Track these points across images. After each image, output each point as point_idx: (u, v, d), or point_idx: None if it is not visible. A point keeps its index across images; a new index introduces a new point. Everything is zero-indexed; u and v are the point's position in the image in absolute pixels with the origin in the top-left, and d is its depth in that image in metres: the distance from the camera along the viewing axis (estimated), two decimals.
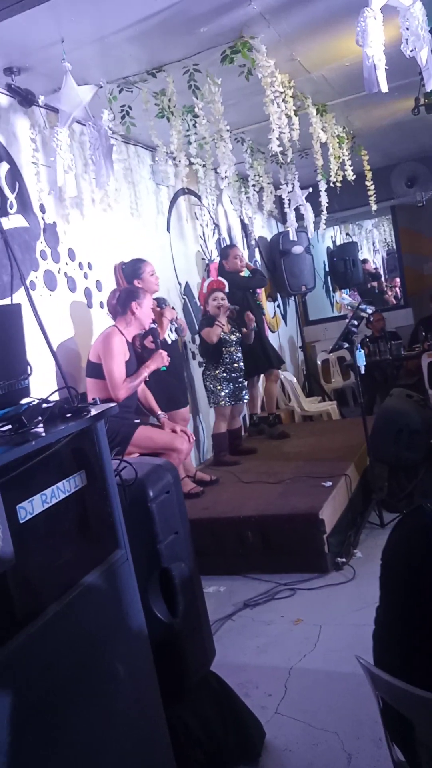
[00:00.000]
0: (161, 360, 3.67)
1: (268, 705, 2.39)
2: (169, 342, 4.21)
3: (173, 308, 4.33)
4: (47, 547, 1.49)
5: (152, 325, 3.86)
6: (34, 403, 1.61)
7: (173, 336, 4.32)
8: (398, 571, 1.41)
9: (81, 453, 1.64)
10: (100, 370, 3.46)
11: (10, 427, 1.50)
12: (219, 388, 4.86)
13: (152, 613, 1.91)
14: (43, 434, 1.48)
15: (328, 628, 2.90)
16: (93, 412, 1.64)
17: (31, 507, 1.41)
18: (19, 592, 1.36)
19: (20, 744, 1.25)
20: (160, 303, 4.25)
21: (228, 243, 6.23)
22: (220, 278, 5.55)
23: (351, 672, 2.49)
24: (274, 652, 2.79)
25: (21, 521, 1.37)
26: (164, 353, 3.70)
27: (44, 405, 1.61)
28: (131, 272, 4.11)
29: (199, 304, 5.48)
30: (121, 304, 3.67)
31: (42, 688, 1.35)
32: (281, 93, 3.76)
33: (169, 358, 3.73)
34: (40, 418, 1.56)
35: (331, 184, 5.28)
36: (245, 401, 5.17)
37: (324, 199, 5.43)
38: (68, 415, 1.62)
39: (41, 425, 1.54)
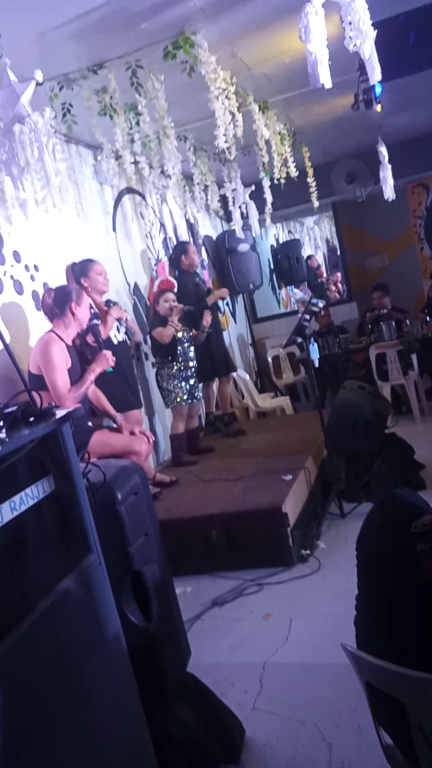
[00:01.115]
0: (106, 362, 3.50)
1: (245, 702, 2.38)
2: (115, 342, 4.14)
3: (124, 310, 4.25)
4: (18, 556, 1.43)
5: (94, 322, 3.77)
6: None
7: (120, 336, 4.24)
8: (380, 556, 1.41)
9: (47, 457, 1.58)
10: (42, 382, 3.25)
11: None
12: (175, 386, 4.83)
13: (126, 617, 1.86)
14: (6, 440, 1.42)
15: (298, 621, 2.91)
16: (58, 414, 1.59)
17: (0, 515, 1.35)
18: None
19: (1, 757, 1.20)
20: (108, 304, 4.19)
21: (174, 242, 6.19)
22: (169, 278, 5.52)
23: (326, 662, 2.51)
24: (246, 649, 2.78)
25: None
26: (108, 353, 3.53)
27: (6, 410, 1.54)
28: (79, 271, 4.06)
29: (149, 304, 5.43)
30: (58, 304, 3.45)
31: (21, 701, 1.29)
32: (224, 90, 3.76)
33: (115, 359, 3.60)
34: (1, 423, 1.50)
35: (275, 181, 5.33)
36: (199, 400, 5.16)
37: (268, 196, 5.48)
38: (31, 419, 1.56)
39: (4, 431, 1.48)
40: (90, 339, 3.70)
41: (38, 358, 3.31)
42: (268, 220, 5.60)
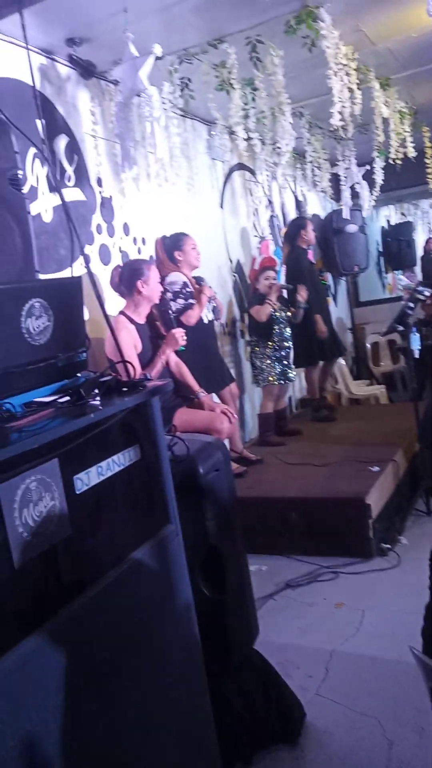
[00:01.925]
0: (175, 342, 3.38)
1: (309, 686, 2.40)
2: (206, 321, 4.12)
3: (210, 287, 4.21)
4: (101, 519, 1.51)
5: (190, 301, 3.76)
6: (91, 376, 1.62)
7: (210, 316, 4.22)
8: None
9: (136, 427, 1.64)
10: (115, 368, 3.18)
11: (68, 399, 1.52)
12: (268, 365, 4.83)
13: (199, 589, 1.92)
14: (101, 407, 1.49)
15: (371, 613, 2.88)
16: (148, 387, 1.65)
17: (88, 478, 1.43)
18: (73, 562, 1.39)
19: (72, 710, 1.28)
20: (199, 281, 4.16)
21: (281, 220, 6.14)
22: (272, 256, 5.49)
23: (394, 659, 2.47)
24: (315, 634, 2.79)
25: (77, 492, 1.39)
26: (179, 333, 3.40)
27: (101, 379, 1.62)
28: (172, 245, 4.04)
29: (249, 281, 5.44)
30: (126, 283, 3.36)
31: (93, 657, 1.37)
32: (344, 65, 3.66)
33: (199, 342, 3.50)
34: (97, 391, 1.57)
35: (391, 161, 5.13)
36: (293, 380, 5.14)
37: (378, 177, 5.30)
38: (124, 390, 1.63)
39: (98, 398, 1.56)
40: (157, 318, 3.58)
41: (108, 346, 3.22)
42: (372, 202, 5.43)
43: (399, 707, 2.21)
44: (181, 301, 3.89)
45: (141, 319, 3.40)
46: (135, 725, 1.48)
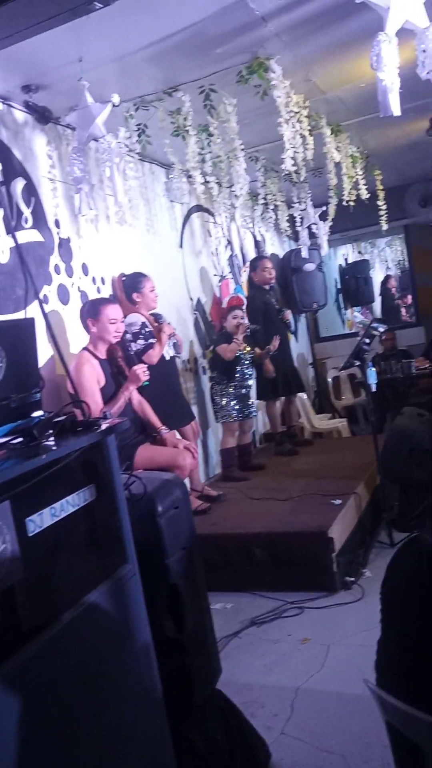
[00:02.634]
0: (137, 378, 3.39)
1: (274, 725, 2.37)
2: (167, 358, 4.15)
3: (169, 324, 4.25)
4: (55, 561, 1.49)
5: (149, 342, 3.80)
6: (45, 416, 1.63)
7: (171, 352, 4.25)
8: (402, 602, 1.40)
9: (91, 467, 1.64)
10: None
11: (21, 439, 1.51)
12: (227, 402, 4.88)
13: (159, 629, 1.90)
14: (54, 447, 1.49)
15: (336, 648, 2.87)
16: (104, 426, 1.65)
17: (41, 520, 1.42)
18: (27, 605, 1.37)
19: (24, 759, 1.25)
20: (158, 318, 4.20)
21: (240, 260, 6.27)
22: (239, 295, 5.60)
23: (360, 694, 2.44)
24: (280, 671, 2.76)
25: (29, 534, 1.38)
26: (140, 369, 3.41)
27: (55, 419, 1.62)
28: (131, 285, 4.08)
29: (210, 319, 5.51)
30: (82, 321, 3.44)
31: (47, 702, 1.34)
32: (296, 113, 3.81)
33: (149, 374, 3.52)
34: (51, 431, 1.57)
35: (344, 203, 5.32)
36: (254, 416, 5.20)
37: (329, 220, 5.50)
38: (79, 429, 1.64)
39: (52, 439, 1.55)
40: (119, 355, 3.63)
41: (72, 378, 3.21)
42: (325, 244, 5.63)
43: (364, 743, 2.20)
44: (141, 341, 3.91)
45: (102, 355, 3.43)
46: None
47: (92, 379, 3.28)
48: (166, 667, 1.80)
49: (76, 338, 3.65)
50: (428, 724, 1.18)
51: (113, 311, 3.43)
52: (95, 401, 3.22)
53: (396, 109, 2.93)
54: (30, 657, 1.30)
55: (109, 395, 3.35)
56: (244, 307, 5.30)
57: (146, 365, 3.51)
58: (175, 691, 1.85)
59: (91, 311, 3.42)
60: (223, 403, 4.89)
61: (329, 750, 2.20)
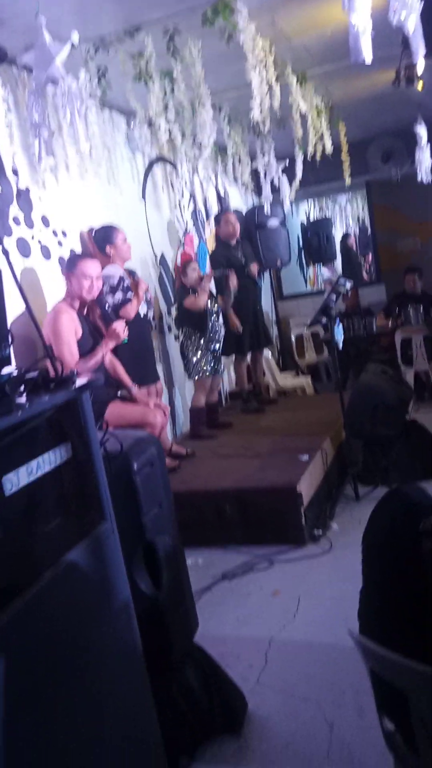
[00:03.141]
0: (117, 335, 3.41)
1: (249, 676, 2.41)
2: (141, 315, 4.10)
3: (143, 281, 4.18)
4: (33, 521, 1.44)
5: (127, 296, 3.75)
6: (16, 372, 1.55)
7: (144, 309, 4.21)
8: (385, 552, 1.41)
9: (66, 424, 1.58)
10: (52, 353, 3.18)
11: None
12: (200, 358, 4.82)
13: (137, 586, 1.88)
14: (27, 405, 1.42)
15: (306, 600, 2.93)
16: (78, 383, 1.59)
17: (17, 479, 1.36)
18: (6, 565, 1.32)
19: (12, 716, 1.22)
20: (132, 274, 4.13)
21: (204, 214, 6.13)
22: (186, 251, 5.50)
23: (331, 643, 2.52)
24: (253, 624, 2.80)
25: (6, 494, 1.32)
26: (119, 326, 3.44)
27: (27, 375, 1.55)
28: (102, 238, 3.99)
29: (174, 276, 5.40)
30: (65, 273, 3.45)
31: (30, 660, 1.31)
32: (262, 60, 3.68)
33: (137, 333, 3.54)
34: (23, 388, 1.50)
35: (308, 157, 5.23)
36: (221, 372, 5.18)
37: (299, 171, 5.39)
38: (52, 386, 1.57)
39: (24, 396, 1.49)
40: (96, 313, 3.60)
41: (48, 328, 3.26)
42: (298, 194, 5.52)
43: (338, 690, 2.26)
44: (119, 295, 3.83)
45: (76, 308, 3.44)
46: (78, 727, 1.44)
47: (70, 329, 3.28)
48: (145, 623, 1.78)
49: (41, 293, 3.53)
50: (410, 669, 1.20)
51: (89, 267, 3.38)
52: (71, 352, 3.22)
53: (368, 55, 2.86)
54: (11, 617, 1.26)
55: (84, 349, 3.33)
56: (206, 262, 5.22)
57: (125, 322, 3.45)
58: (153, 646, 1.85)
59: (69, 265, 3.43)
60: (196, 358, 4.82)
61: (304, 697, 2.25)
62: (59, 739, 1.38)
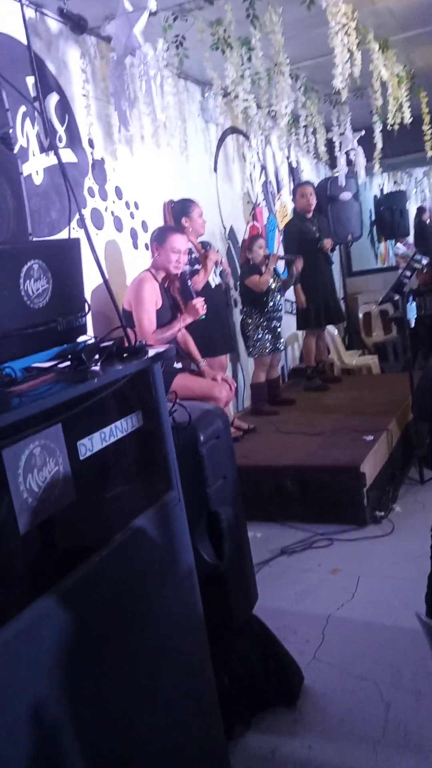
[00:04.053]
0: (196, 312, 3.45)
1: (306, 651, 2.42)
2: (213, 286, 4.12)
3: (218, 251, 4.20)
4: (105, 486, 1.49)
5: (195, 267, 3.76)
6: (91, 341, 1.58)
7: (217, 280, 4.23)
8: None
9: (138, 394, 1.61)
10: (132, 319, 3.29)
11: (68, 364, 1.48)
12: (260, 336, 4.80)
13: (200, 555, 1.92)
14: (102, 373, 1.46)
15: (366, 580, 2.91)
16: (151, 353, 1.61)
17: (91, 444, 1.40)
18: (78, 527, 1.37)
19: (79, 673, 1.28)
20: (205, 245, 4.14)
21: (275, 186, 6.04)
22: (255, 223, 5.44)
23: (390, 624, 2.50)
24: (311, 600, 2.81)
25: (81, 458, 1.36)
26: (199, 302, 3.47)
27: (102, 344, 1.58)
28: (180, 211, 4.03)
29: (241, 249, 5.36)
30: (152, 243, 3.53)
31: (98, 621, 1.36)
32: (344, 25, 3.55)
33: (207, 306, 3.55)
34: (98, 356, 1.54)
35: (388, 127, 5.04)
36: (282, 350, 5.15)
37: (379, 142, 5.21)
38: (125, 356, 1.60)
39: (99, 364, 1.52)
40: (176, 287, 3.64)
41: (131, 295, 3.36)
42: (377, 166, 5.33)
43: (396, 671, 2.24)
44: (186, 267, 3.85)
45: (160, 279, 3.50)
46: (140, 688, 1.49)
47: (151, 298, 3.34)
48: (206, 592, 1.82)
49: (114, 265, 3.58)
50: None
51: (178, 241, 3.44)
52: (150, 320, 3.29)
53: None
54: (82, 577, 1.31)
55: (163, 321, 3.39)
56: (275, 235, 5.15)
57: (203, 299, 3.49)
58: (214, 615, 1.88)
59: (159, 237, 3.47)
60: (257, 336, 4.81)
61: (361, 676, 2.25)
62: (119, 697, 1.43)
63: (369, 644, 2.43)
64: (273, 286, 4.83)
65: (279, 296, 4.94)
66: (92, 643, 1.34)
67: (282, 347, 5.11)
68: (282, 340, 5.08)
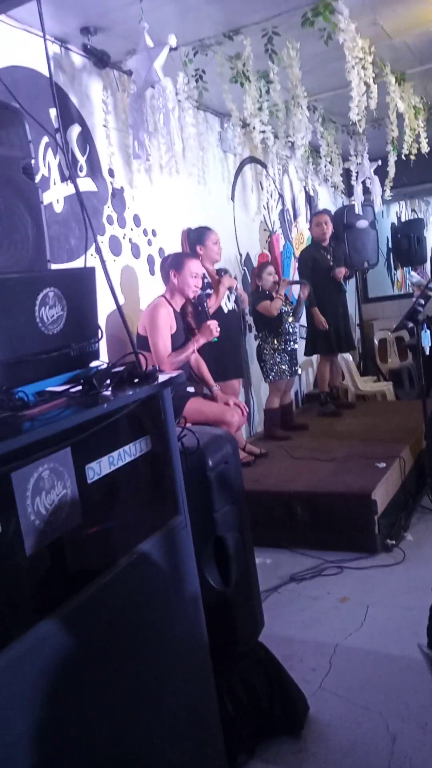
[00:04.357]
0: (209, 333, 3.50)
1: (313, 680, 2.41)
2: (226, 311, 4.17)
3: (234, 278, 4.26)
4: (112, 509, 1.51)
5: (207, 292, 3.81)
6: (103, 366, 1.63)
7: (231, 305, 4.27)
8: None
9: (147, 418, 1.65)
10: (146, 343, 3.36)
11: (80, 388, 1.52)
12: (277, 360, 4.85)
13: (206, 580, 1.93)
14: (113, 398, 1.49)
15: (375, 609, 2.89)
16: (161, 378, 1.65)
17: (99, 468, 1.43)
18: (85, 550, 1.40)
19: (82, 697, 1.29)
20: (220, 272, 4.21)
21: (292, 214, 6.12)
22: (264, 253, 5.51)
23: (399, 654, 2.48)
24: (319, 628, 2.79)
25: (89, 481, 1.39)
26: (213, 324, 3.52)
27: (114, 369, 1.62)
28: (195, 238, 4.13)
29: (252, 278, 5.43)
30: (165, 271, 3.59)
31: (102, 645, 1.38)
32: (361, 59, 3.63)
33: (220, 329, 3.59)
34: (109, 381, 1.58)
35: (404, 157, 5.11)
36: (298, 374, 5.18)
37: (392, 171, 5.28)
38: (136, 381, 1.63)
39: (110, 389, 1.56)
40: (189, 310, 3.68)
41: (146, 320, 3.42)
42: (389, 193, 5.41)
43: (403, 703, 2.22)
44: (201, 293, 3.91)
45: (177, 307, 3.54)
46: (142, 713, 1.50)
47: (166, 323, 3.40)
48: (212, 617, 1.83)
49: (129, 291, 3.65)
50: None
51: (195, 266, 3.53)
52: (165, 344, 3.34)
53: None
54: (86, 600, 1.33)
55: (177, 344, 3.45)
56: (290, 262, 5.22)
57: (217, 322, 3.54)
58: (219, 641, 1.89)
59: (175, 263, 3.51)
60: (274, 361, 4.86)
61: (367, 706, 2.23)
62: (120, 721, 1.44)
63: (376, 674, 2.41)
64: (286, 310, 4.89)
65: (293, 320, 4.98)
66: (94, 667, 1.36)
67: (299, 371, 5.16)
68: (298, 365, 5.12)
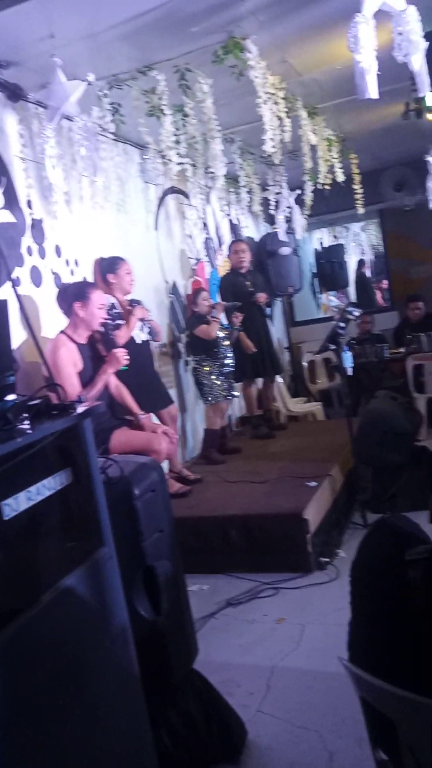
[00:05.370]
0: (117, 362, 3.38)
1: (250, 704, 2.40)
2: (138, 342, 4.12)
3: (147, 310, 4.21)
4: (32, 545, 1.48)
5: (117, 322, 3.75)
6: (19, 399, 1.60)
7: (144, 336, 4.23)
8: (372, 582, 1.43)
9: (67, 451, 1.63)
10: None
11: None
12: (215, 382, 4.92)
13: (136, 611, 1.91)
14: (29, 431, 1.47)
15: (311, 628, 2.92)
16: (79, 409, 1.64)
17: (17, 504, 1.40)
18: (4, 588, 1.36)
19: (8, 739, 1.25)
20: (133, 303, 4.16)
21: (216, 242, 6.24)
22: (197, 278, 5.60)
23: (334, 672, 2.50)
24: (256, 651, 2.80)
25: (5, 518, 1.36)
26: (121, 352, 3.41)
27: (30, 402, 1.60)
28: (107, 267, 4.08)
29: (185, 303, 5.48)
30: (66, 304, 3.38)
31: (26, 682, 1.34)
32: (272, 95, 3.78)
33: (133, 360, 3.49)
34: (26, 414, 1.55)
35: (319, 187, 5.32)
36: (237, 396, 5.26)
37: (308, 201, 5.49)
38: (54, 413, 1.62)
39: (27, 422, 1.54)
40: (98, 338, 3.60)
41: (49, 362, 3.16)
42: (306, 223, 5.62)
43: (339, 719, 2.24)
44: (108, 321, 3.86)
45: (82, 339, 3.37)
46: (73, 752, 1.45)
47: (69, 362, 3.23)
48: (144, 647, 1.80)
49: (50, 322, 3.60)
50: (399, 697, 1.21)
51: (101, 296, 3.41)
52: (72, 385, 3.17)
53: (373, 92, 2.94)
54: (8, 639, 1.30)
55: (87, 379, 3.32)
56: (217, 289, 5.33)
57: (125, 350, 3.48)
58: (152, 671, 1.86)
59: (80, 294, 3.33)
60: (211, 383, 4.93)
61: (305, 726, 2.24)
62: (53, 761, 1.40)
63: (313, 693, 2.43)
64: (220, 334, 4.99)
65: (226, 345, 5.08)
66: (21, 706, 1.32)
67: (237, 394, 5.24)
68: (234, 389, 5.20)
